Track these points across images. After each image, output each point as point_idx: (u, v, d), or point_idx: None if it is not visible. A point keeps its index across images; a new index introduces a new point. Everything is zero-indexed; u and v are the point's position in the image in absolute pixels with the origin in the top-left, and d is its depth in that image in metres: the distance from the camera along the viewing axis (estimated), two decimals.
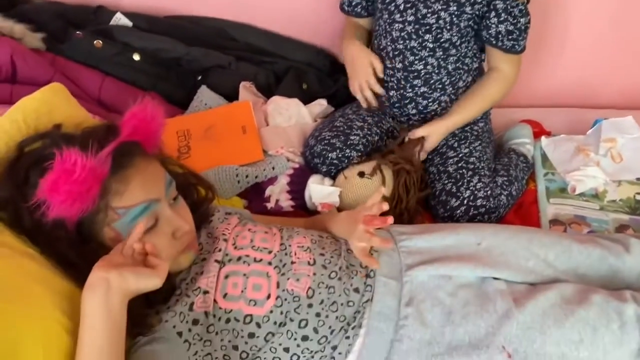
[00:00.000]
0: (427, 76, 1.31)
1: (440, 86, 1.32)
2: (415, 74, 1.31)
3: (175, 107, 1.47)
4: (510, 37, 1.26)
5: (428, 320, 0.92)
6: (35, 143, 0.85)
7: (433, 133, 1.30)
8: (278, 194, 1.28)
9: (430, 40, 1.27)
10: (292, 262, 0.93)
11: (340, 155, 1.30)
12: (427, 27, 1.26)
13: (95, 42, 1.40)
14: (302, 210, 1.28)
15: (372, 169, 1.26)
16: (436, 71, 1.30)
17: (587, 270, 1.00)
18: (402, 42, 1.29)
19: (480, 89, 1.33)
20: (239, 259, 0.93)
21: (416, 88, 1.32)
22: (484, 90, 1.33)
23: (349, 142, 1.31)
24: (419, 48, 1.28)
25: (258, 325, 0.88)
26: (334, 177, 1.31)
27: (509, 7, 1.22)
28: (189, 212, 0.92)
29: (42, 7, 1.48)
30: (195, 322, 0.86)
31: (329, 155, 1.30)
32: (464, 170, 1.27)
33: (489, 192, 1.23)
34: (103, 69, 1.41)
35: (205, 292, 0.88)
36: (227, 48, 1.56)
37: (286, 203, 1.27)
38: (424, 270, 0.96)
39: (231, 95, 1.49)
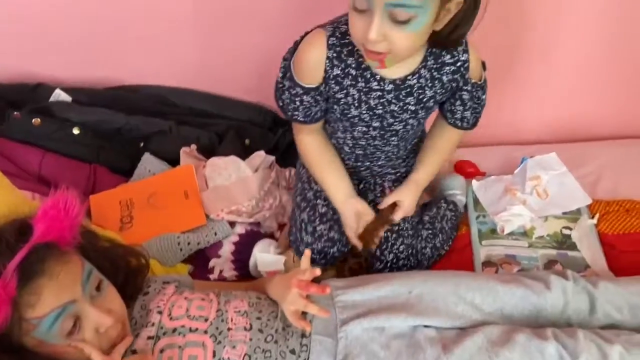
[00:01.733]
0: (388, 159, 1.30)
1: (399, 161, 1.34)
2: (376, 158, 1.30)
3: (121, 175, 1.49)
4: (473, 114, 1.21)
5: None
6: None
7: (405, 197, 1.23)
8: (222, 264, 1.30)
9: (394, 140, 1.24)
10: (229, 329, 0.96)
11: (341, 248, 1.29)
12: (393, 132, 1.21)
13: (33, 120, 1.42)
14: (246, 279, 1.29)
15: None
16: (397, 154, 1.30)
17: (513, 310, 1.05)
18: (364, 141, 1.24)
19: (438, 147, 1.28)
20: (174, 330, 0.95)
21: (376, 165, 1.32)
22: (443, 147, 1.28)
23: (342, 230, 1.27)
24: (382, 145, 1.24)
25: None
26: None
27: (474, 93, 1.16)
28: (117, 298, 0.92)
29: None
30: None
31: (331, 250, 1.27)
32: (387, 233, 1.27)
33: (411, 252, 1.27)
34: (44, 146, 1.43)
35: None
36: (168, 113, 1.60)
37: (230, 273, 1.29)
38: (358, 324, 1.00)
39: (175, 160, 1.51)
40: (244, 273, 1.30)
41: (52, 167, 1.39)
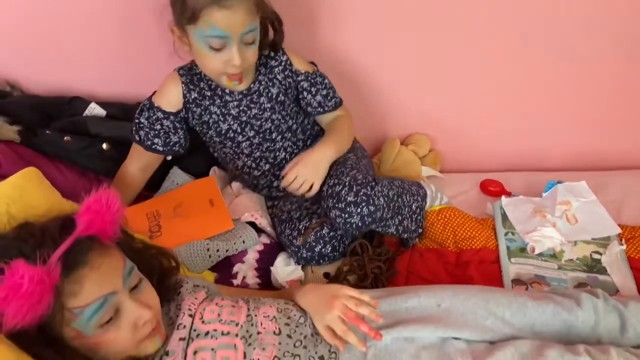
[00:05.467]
0: (294, 154, 1.43)
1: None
2: (284, 161, 1.43)
3: (147, 189, 1.49)
4: (328, 98, 1.43)
5: None
6: None
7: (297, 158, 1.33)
8: (245, 270, 1.30)
9: (277, 136, 1.40)
10: (259, 332, 0.96)
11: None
12: (268, 130, 1.39)
13: (65, 138, 1.44)
14: (268, 288, 1.30)
15: (337, 276, 1.29)
16: (298, 144, 1.45)
17: (543, 326, 1.04)
18: (257, 151, 1.41)
19: (338, 131, 1.43)
20: (207, 333, 0.95)
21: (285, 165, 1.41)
22: (332, 128, 1.44)
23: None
24: (272, 146, 1.41)
25: None
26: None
27: (311, 80, 1.40)
28: (154, 294, 0.93)
29: (19, 101, 1.55)
30: None
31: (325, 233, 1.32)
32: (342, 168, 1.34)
33: (369, 179, 1.29)
34: (75, 161, 1.45)
35: None
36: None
37: (252, 280, 1.30)
38: (387, 334, 0.99)
39: (203, 175, 1.53)
40: (267, 282, 1.31)
41: (80, 182, 1.41)
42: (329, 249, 1.30)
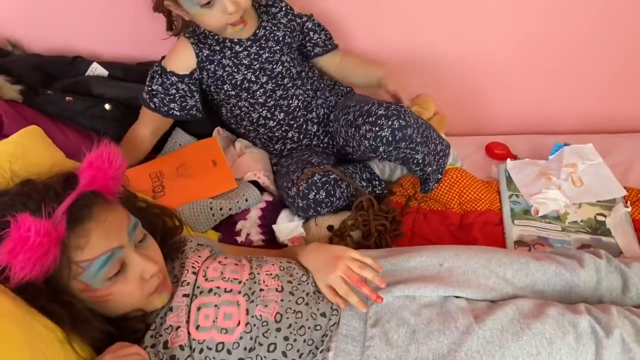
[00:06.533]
0: (305, 102, 1.44)
1: (314, 102, 1.46)
2: (297, 109, 1.42)
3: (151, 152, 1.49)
4: (329, 38, 1.49)
5: (393, 339, 0.95)
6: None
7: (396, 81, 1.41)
8: (249, 228, 1.31)
9: (288, 82, 1.41)
10: (261, 290, 0.97)
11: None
12: (280, 75, 1.40)
13: (66, 99, 1.43)
14: (272, 244, 1.30)
15: (341, 230, 1.27)
16: (308, 93, 1.45)
17: (544, 286, 1.04)
18: (271, 100, 1.40)
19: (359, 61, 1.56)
20: (210, 290, 0.96)
21: (303, 115, 1.44)
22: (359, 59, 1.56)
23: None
24: (284, 93, 1.41)
25: (229, 352, 0.91)
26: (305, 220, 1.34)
27: (314, 21, 1.46)
28: (159, 250, 0.95)
29: (20, 59, 1.53)
30: (172, 357, 0.90)
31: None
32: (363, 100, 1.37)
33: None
34: (77, 122, 1.45)
35: (177, 328, 0.91)
36: None
37: (256, 237, 1.30)
38: (388, 292, 0.99)
39: (205, 136, 1.52)
40: (270, 238, 1.31)
41: (83, 143, 1.39)
42: (323, 194, 1.28)
